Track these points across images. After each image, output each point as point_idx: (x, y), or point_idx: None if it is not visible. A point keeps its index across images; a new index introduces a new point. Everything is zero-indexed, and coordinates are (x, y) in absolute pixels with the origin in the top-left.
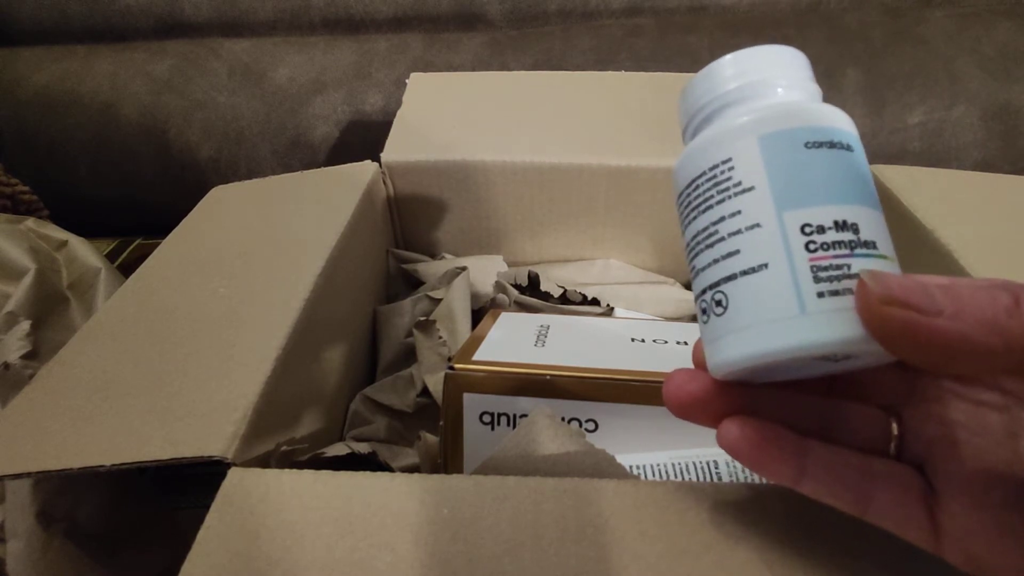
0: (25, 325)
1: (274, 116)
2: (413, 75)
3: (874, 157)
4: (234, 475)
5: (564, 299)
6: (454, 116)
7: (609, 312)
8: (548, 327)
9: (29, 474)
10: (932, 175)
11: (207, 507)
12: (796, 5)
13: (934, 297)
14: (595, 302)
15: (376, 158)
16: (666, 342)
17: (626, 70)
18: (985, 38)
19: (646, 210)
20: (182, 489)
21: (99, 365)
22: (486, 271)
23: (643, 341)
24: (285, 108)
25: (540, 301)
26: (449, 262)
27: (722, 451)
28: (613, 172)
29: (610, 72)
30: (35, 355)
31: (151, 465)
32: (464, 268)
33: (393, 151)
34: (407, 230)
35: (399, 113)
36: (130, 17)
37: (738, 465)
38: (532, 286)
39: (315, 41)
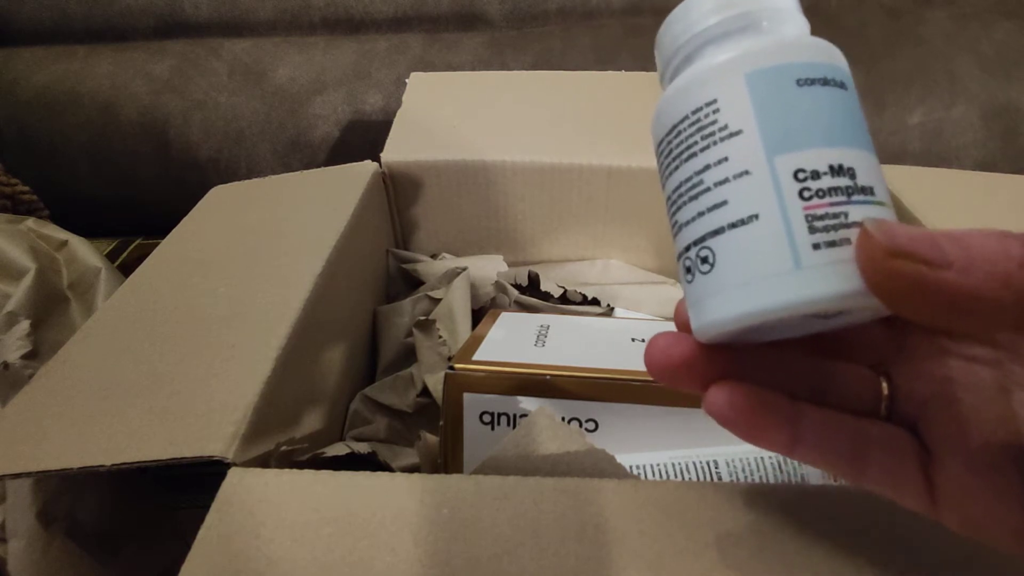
0: (25, 325)
1: (274, 116)
2: (413, 75)
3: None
4: (234, 475)
5: (564, 299)
6: (454, 116)
7: (609, 312)
8: (548, 327)
9: (29, 474)
10: (932, 175)
11: (207, 507)
12: None
13: (943, 248)
14: (595, 302)
15: (376, 158)
16: None
17: (627, 70)
18: (985, 38)
19: (646, 210)
20: (182, 489)
21: (99, 365)
22: (486, 271)
23: (643, 341)
24: (285, 108)
25: (540, 301)
26: (449, 262)
27: (722, 451)
28: (613, 172)
29: (610, 72)
30: (35, 355)
31: (151, 465)
32: (464, 268)
33: (393, 151)
34: (407, 230)
35: (399, 113)
36: (130, 17)
37: (738, 465)
38: (532, 286)
39: (315, 41)
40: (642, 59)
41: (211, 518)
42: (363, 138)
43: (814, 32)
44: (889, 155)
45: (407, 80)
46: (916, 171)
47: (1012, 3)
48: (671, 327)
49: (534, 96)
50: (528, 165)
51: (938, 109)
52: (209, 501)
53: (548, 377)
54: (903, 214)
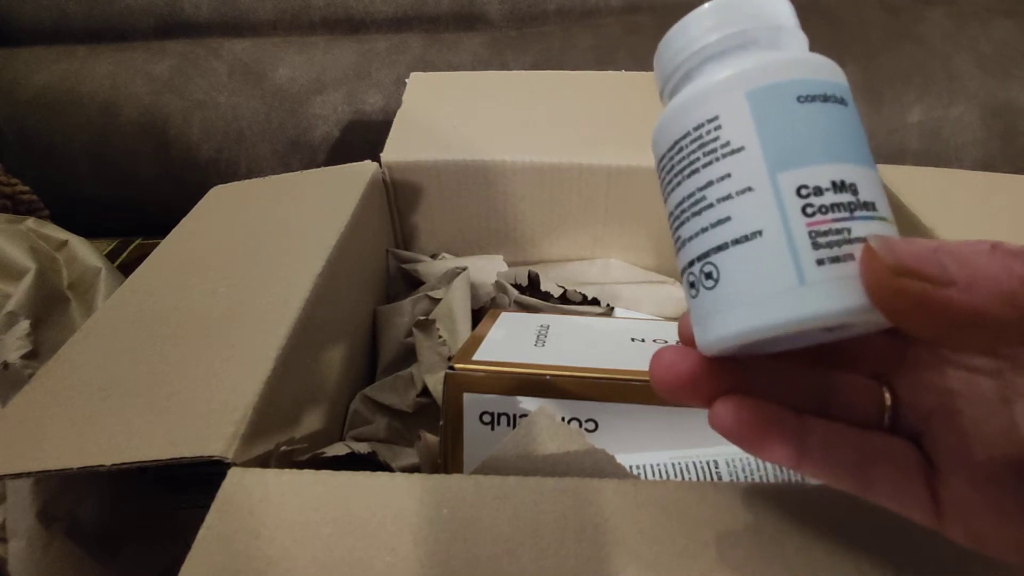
0: (25, 325)
1: (274, 116)
2: (413, 75)
3: (873, 157)
4: (234, 475)
5: (564, 299)
6: (454, 116)
7: (609, 312)
8: (548, 327)
9: (29, 474)
10: (932, 175)
11: (207, 507)
12: (795, 3)
13: (946, 267)
14: (595, 302)
15: (376, 158)
16: (666, 342)
17: (626, 68)
18: (983, 36)
19: (646, 210)
20: (182, 489)
21: (99, 365)
22: (486, 271)
23: (643, 341)
24: (285, 108)
25: (540, 301)
26: (449, 262)
27: (722, 451)
28: (613, 172)
29: (610, 72)
30: (35, 355)
31: (151, 465)
32: (464, 268)
33: (393, 151)
34: (407, 230)
35: (399, 113)
36: (130, 17)
37: (738, 465)
38: (532, 286)
39: (315, 41)
40: (641, 57)
41: (211, 518)
42: (363, 138)
43: (813, 30)
44: (888, 154)
45: (407, 80)
46: (915, 171)
47: (1011, 1)
48: (671, 326)
49: (534, 96)
50: (528, 165)
51: (937, 108)
52: (209, 501)
53: (548, 377)
54: (903, 214)
